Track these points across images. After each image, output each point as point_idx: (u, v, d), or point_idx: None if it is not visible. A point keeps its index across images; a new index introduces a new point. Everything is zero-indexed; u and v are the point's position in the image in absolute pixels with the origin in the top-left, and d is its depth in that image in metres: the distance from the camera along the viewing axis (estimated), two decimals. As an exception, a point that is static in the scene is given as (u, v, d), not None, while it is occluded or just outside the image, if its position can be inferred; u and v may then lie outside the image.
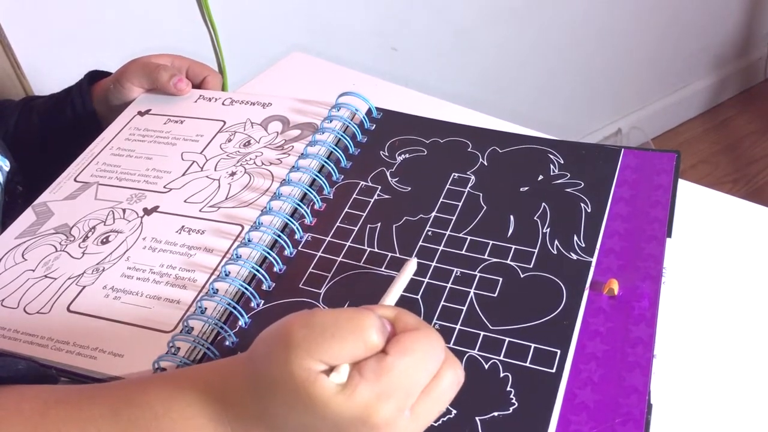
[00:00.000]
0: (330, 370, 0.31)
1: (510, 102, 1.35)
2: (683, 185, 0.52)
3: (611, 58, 1.48)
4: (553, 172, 0.51)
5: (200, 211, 0.51)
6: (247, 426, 0.33)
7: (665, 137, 1.70)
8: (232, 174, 0.54)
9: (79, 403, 0.35)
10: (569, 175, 0.51)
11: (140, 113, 0.62)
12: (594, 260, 0.46)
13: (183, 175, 0.54)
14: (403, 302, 0.44)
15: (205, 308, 0.44)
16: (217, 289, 0.45)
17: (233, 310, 0.43)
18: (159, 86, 0.62)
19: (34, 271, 0.48)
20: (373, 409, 0.31)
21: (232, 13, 0.97)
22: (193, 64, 0.65)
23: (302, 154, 0.54)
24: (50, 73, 0.86)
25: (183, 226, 0.50)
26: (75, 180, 0.56)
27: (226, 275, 0.45)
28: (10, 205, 0.62)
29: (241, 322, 0.44)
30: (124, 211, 0.52)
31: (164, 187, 0.54)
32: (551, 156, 0.53)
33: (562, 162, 0.52)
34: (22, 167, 0.64)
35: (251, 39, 1.00)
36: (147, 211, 0.52)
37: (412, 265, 0.42)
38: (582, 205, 0.49)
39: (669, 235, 0.49)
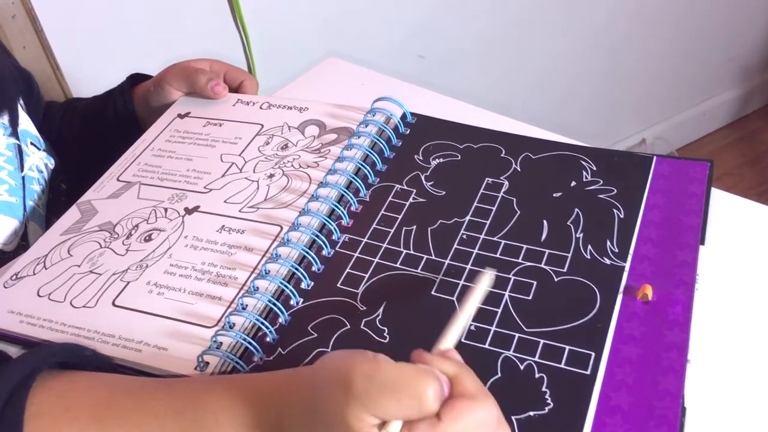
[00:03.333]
0: (383, 424, 0.32)
1: (534, 110, 1.35)
2: (716, 194, 0.52)
3: (636, 67, 1.48)
4: (586, 178, 0.52)
5: (240, 211, 0.52)
6: None
7: (690, 148, 1.70)
8: (271, 176, 0.55)
9: (144, 396, 0.36)
10: (602, 182, 0.52)
11: (180, 116, 0.64)
12: (627, 265, 0.47)
13: (222, 176, 0.56)
14: (438, 304, 0.45)
15: (246, 305, 0.45)
16: (258, 287, 0.46)
17: (274, 307, 0.45)
18: (197, 89, 0.64)
19: (79, 266, 0.50)
20: None
21: (268, 20, 0.99)
22: (231, 68, 0.67)
23: (339, 157, 0.55)
24: (88, 76, 0.89)
25: (223, 226, 0.51)
26: (118, 179, 0.58)
27: (266, 273, 0.47)
28: (54, 202, 0.64)
29: (281, 320, 0.45)
30: (165, 210, 0.54)
31: (204, 187, 0.55)
32: (584, 163, 0.53)
33: (595, 169, 0.53)
34: (64, 165, 0.66)
35: (285, 45, 1.02)
36: (188, 211, 0.53)
37: (481, 288, 0.40)
38: (615, 211, 0.50)
39: (702, 242, 0.49)
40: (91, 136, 0.69)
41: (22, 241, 0.59)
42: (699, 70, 1.59)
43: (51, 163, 0.64)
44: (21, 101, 0.63)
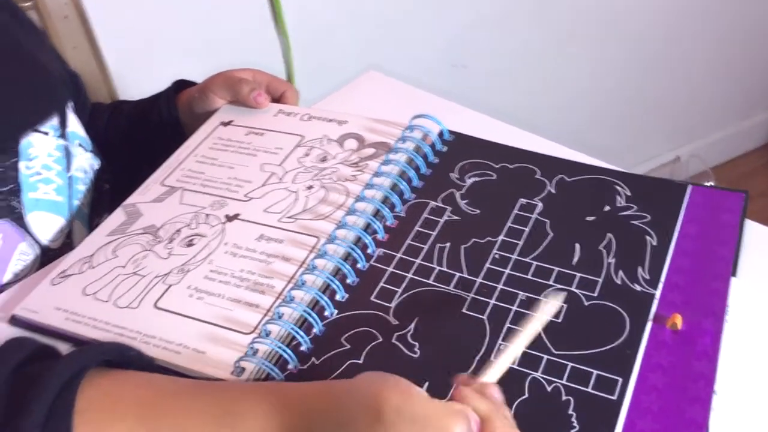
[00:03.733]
0: None
1: (568, 125, 1.36)
2: (750, 225, 0.52)
3: (672, 85, 1.47)
4: (620, 203, 0.53)
5: (278, 221, 0.54)
6: None
7: (725, 167, 1.68)
8: (310, 187, 0.57)
9: (186, 398, 0.38)
10: (636, 208, 0.52)
11: (223, 123, 0.65)
12: (658, 293, 0.47)
13: (263, 185, 0.58)
14: (469, 322, 0.46)
15: (282, 314, 0.47)
16: (294, 297, 0.48)
17: (308, 317, 0.46)
18: (240, 99, 0.66)
19: (124, 267, 0.52)
20: None
21: (309, 31, 1.01)
22: (273, 79, 0.69)
23: (376, 171, 0.56)
24: (134, 78, 0.92)
25: (262, 235, 0.53)
26: (162, 184, 0.60)
27: (302, 284, 0.48)
28: (97, 201, 0.66)
29: (315, 330, 0.46)
30: (207, 216, 0.55)
31: (245, 195, 0.57)
32: (618, 187, 0.54)
33: (629, 194, 0.53)
34: (109, 165, 0.69)
35: (325, 57, 1.04)
36: (229, 218, 0.55)
37: (542, 317, 0.41)
38: (647, 237, 0.50)
39: (734, 274, 0.49)
40: (136, 138, 0.72)
41: (67, 239, 0.61)
42: (735, 90, 1.58)
43: (96, 164, 0.67)
44: (71, 104, 0.65)
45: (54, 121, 0.61)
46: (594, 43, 1.31)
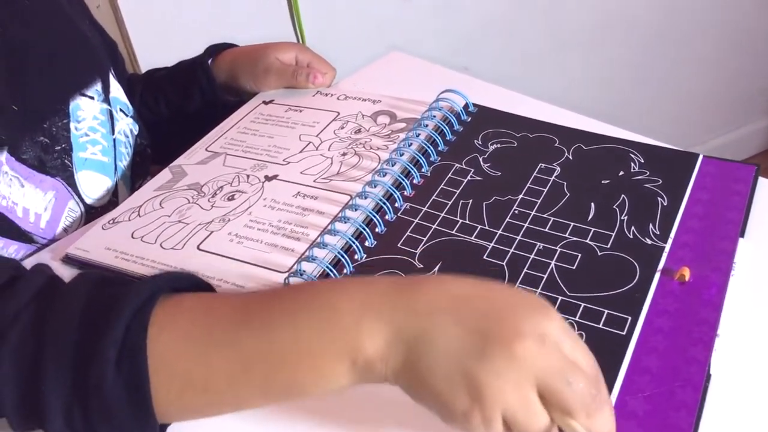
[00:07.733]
0: None
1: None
2: (764, 185, 0.55)
3: (668, 95, 1.52)
4: (633, 169, 0.56)
5: (314, 181, 0.58)
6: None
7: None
8: (344, 154, 0.61)
9: (262, 293, 0.40)
10: (648, 173, 0.56)
11: (265, 102, 0.70)
12: (667, 247, 0.50)
13: (300, 152, 0.62)
14: (490, 267, 0.49)
15: (316, 256, 0.50)
16: (327, 243, 0.51)
17: (341, 257, 0.50)
18: (297, 86, 0.71)
19: (169, 216, 0.57)
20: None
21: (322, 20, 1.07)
22: (315, 59, 0.73)
23: (405, 138, 0.60)
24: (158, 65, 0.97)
25: (299, 192, 0.57)
26: (206, 149, 0.64)
27: (335, 232, 0.52)
28: (140, 165, 0.70)
29: (346, 270, 0.50)
30: (248, 176, 0.60)
31: (283, 160, 0.61)
32: (632, 155, 0.57)
33: (642, 161, 0.57)
34: (146, 132, 0.73)
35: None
36: (268, 178, 0.59)
37: None
38: (659, 199, 0.53)
39: (742, 235, 0.52)
40: (177, 110, 0.76)
41: (112, 198, 0.66)
42: (733, 99, 1.61)
43: (136, 128, 0.71)
44: (112, 70, 0.70)
45: (98, 86, 0.65)
46: (595, 49, 1.36)
